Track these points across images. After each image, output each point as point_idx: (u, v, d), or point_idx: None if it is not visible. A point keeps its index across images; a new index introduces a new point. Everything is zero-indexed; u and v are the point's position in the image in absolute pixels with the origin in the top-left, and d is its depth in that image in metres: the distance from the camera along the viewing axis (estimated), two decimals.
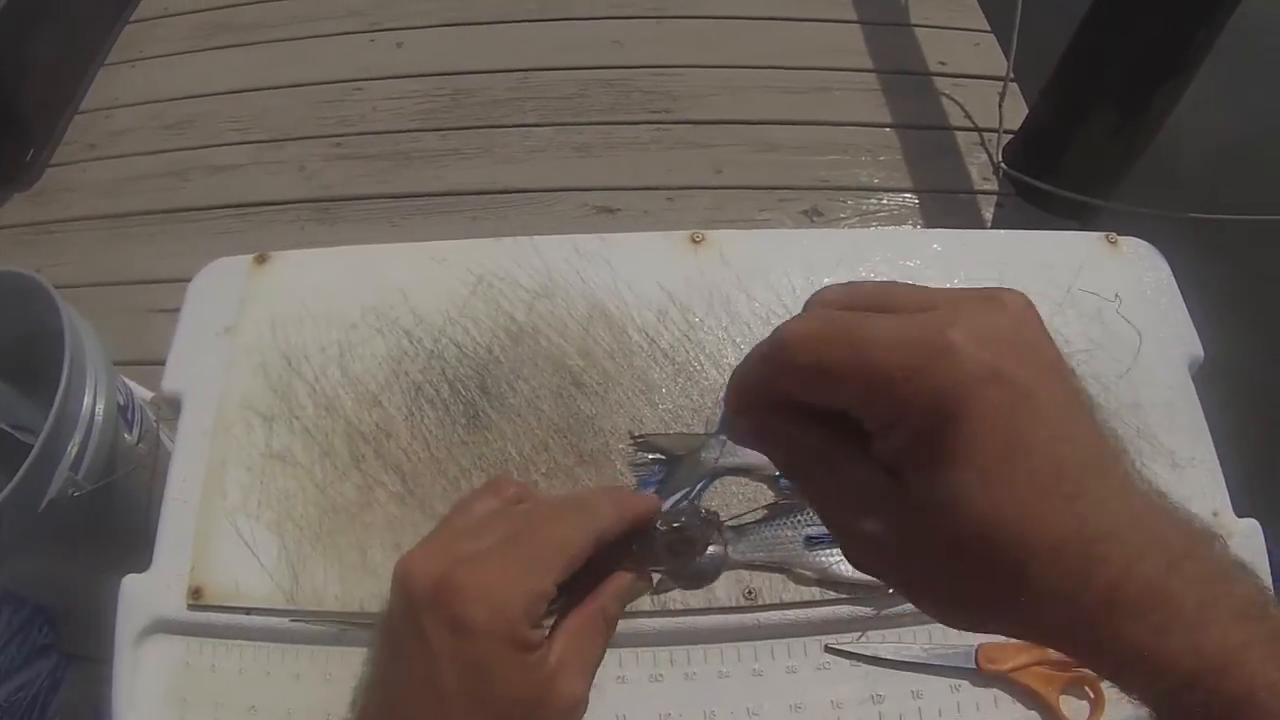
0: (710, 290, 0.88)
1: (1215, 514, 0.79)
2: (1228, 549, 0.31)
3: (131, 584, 0.73)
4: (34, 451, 1.02)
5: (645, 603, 0.70)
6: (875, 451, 0.31)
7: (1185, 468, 0.81)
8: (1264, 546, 0.79)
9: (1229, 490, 0.82)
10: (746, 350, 0.90)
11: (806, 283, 0.88)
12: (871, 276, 0.89)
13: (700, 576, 0.44)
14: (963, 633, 0.73)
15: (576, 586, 0.41)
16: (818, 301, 0.34)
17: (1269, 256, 1.86)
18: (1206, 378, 0.88)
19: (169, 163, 2.07)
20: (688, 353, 0.84)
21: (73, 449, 1.09)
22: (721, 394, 0.80)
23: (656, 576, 0.45)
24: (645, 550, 0.43)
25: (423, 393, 0.81)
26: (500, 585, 0.36)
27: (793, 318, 0.33)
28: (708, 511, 0.44)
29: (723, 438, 0.76)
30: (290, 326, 0.85)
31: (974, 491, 0.29)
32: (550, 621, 0.40)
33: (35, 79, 2.06)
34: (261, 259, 0.90)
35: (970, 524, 0.29)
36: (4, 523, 1.03)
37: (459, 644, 0.36)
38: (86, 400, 1.12)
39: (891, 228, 1.92)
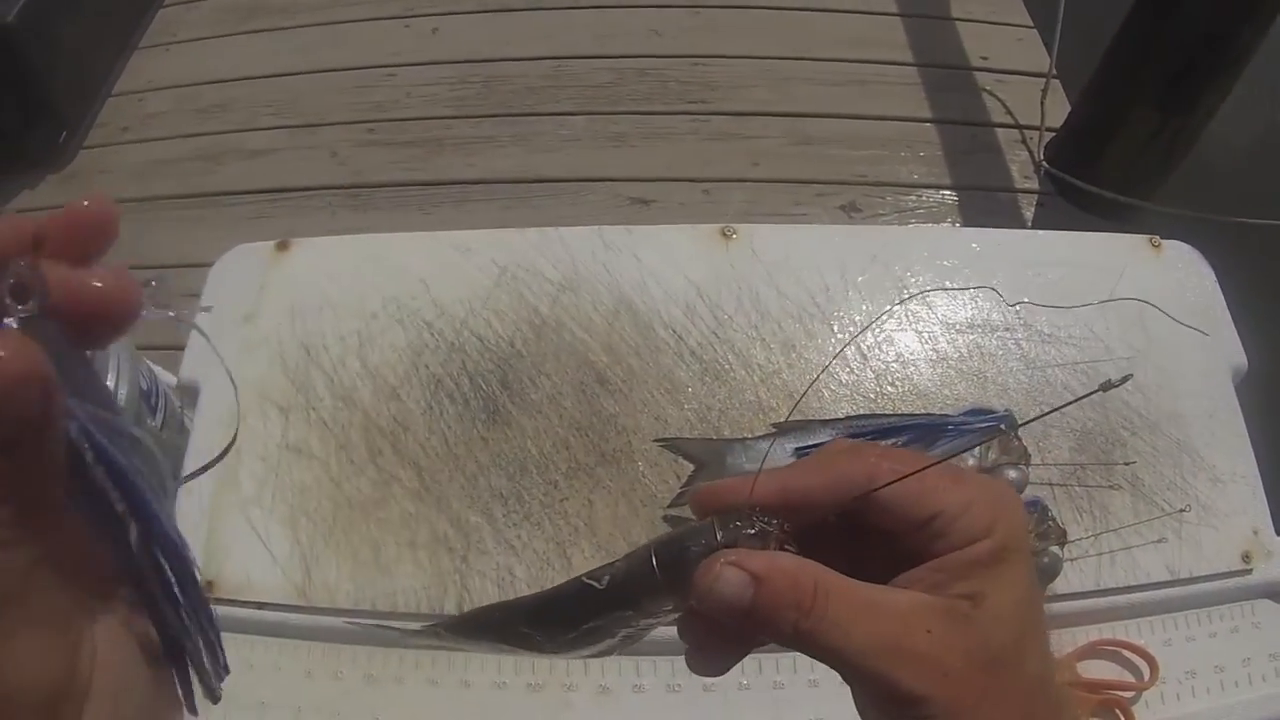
0: (740, 286, 0.85)
1: (1255, 531, 0.77)
2: None
3: None
4: None
5: None
6: None
7: (1226, 483, 0.79)
8: None
9: (1270, 507, 0.79)
10: (776, 349, 0.87)
11: (840, 280, 0.85)
12: (907, 275, 0.86)
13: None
14: None
15: None
16: None
17: None
18: (1249, 388, 0.86)
19: (201, 146, 2.06)
20: (716, 351, 0.81)
21: None
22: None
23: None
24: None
25: (442, 386, 0.79)
26: None
27: None
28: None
29: (747, 441, 0.74)
30: (310, 315, 0.83)
31: None
32: None
33: (68, 62, 2.06)
34: (283, 245, 0.88)
35: None
36: None
37: None
38: (108, 386, 1.11)
39: (929, 225, 1.89)
